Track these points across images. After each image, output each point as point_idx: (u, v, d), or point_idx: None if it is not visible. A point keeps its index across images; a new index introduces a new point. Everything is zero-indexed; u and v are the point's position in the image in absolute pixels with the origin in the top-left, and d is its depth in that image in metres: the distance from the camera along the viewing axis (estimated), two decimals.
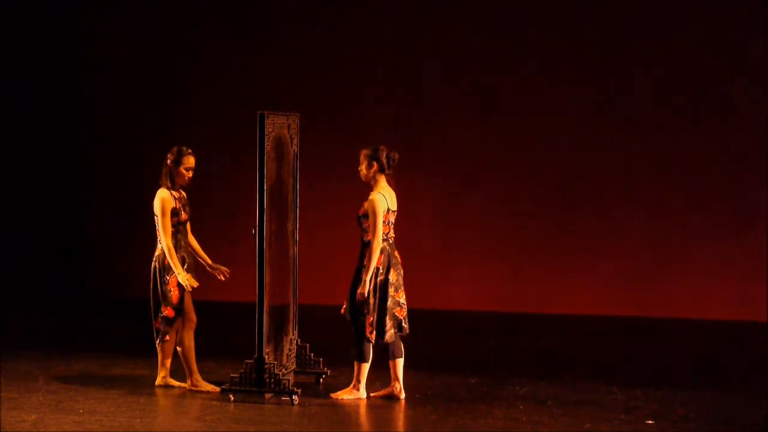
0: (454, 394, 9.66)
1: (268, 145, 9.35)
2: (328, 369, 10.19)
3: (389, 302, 9.39)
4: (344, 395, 9.51)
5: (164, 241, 9.69)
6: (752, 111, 14.04)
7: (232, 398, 9.35)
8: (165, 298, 9.71)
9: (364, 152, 9.48)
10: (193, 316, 9.89)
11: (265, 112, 9.36)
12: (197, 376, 9.86)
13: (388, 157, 9.45)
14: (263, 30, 15.13)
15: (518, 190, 14.58)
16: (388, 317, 9.38)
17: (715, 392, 10.04)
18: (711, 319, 13.83)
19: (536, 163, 14.55)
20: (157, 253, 9.80)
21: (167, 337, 9.80)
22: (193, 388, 9.82)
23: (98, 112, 15.43)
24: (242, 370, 9.33)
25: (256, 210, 9.34)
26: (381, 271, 9.38)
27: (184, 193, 9.97)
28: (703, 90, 14.17)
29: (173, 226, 9.76)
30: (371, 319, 9.34)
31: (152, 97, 15.29)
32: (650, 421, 8.90)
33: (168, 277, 9.72)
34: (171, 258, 9.65)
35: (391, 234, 9.48)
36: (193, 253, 10.00)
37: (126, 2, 15.49)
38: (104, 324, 13.65)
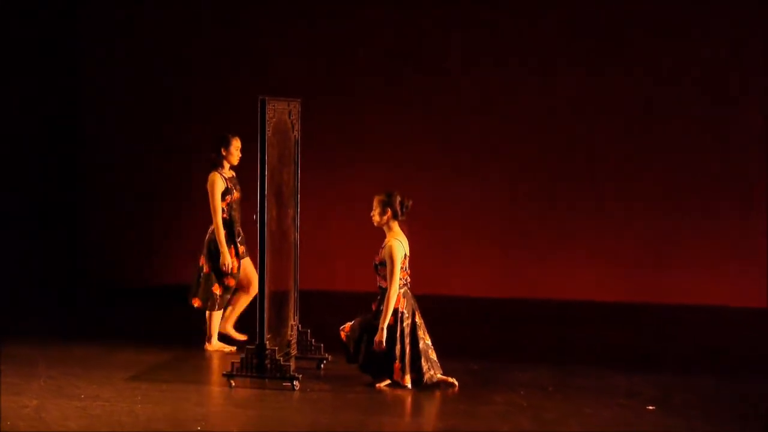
0: (456, 380, 9.66)
1: (269, 131, 9.34)
2: (329, 354, 10.20)
3: (421, 344, 9.44)
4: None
5: (215, 220, 10.50)
6: (753, 99, 14.02)
7: (234, 384, 9.37)
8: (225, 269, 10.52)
9: (377, 198, 9.51)
10: (254, 285, 10.59)
11: (266, 98, 9.35)
12: (231, 324, 10.94)
13: (401, 204, 9.47)
14: (264, 16, 15.10)
15: (518, 174, 14.55)
16: (423, 359, 9.42)
17: (717, 378, 10.04)
18: (713, 304, 13.82)
19: (534, 148, 14.52)
20: (211, 228, 10.64)
21: (217, 306, 10.70)
22: (209, 348, 10.75)
23: (100, 104, 15.39)
24: (243, 356, 9.34)
25: (257, 196, 9.34)
26: (406, 315, 9.41)
27: (233, 174, 10.74)
28: (703, 78, 14.16)
29: (227, 204, 10.56)
30: (399, 365, 9.37)
31: (153, 84, 15.24)
32: (651, 407, 8.92)
33: (239, 246, 10.59)
34: (219, 237, 10.49)
35: (409, 279, 9.52)
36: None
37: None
38: (104, 311, 13.64)
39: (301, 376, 9.41)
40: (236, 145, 10.67)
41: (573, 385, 9.63)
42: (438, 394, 9.34)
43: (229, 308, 10.95)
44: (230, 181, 10.67)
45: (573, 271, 14.37)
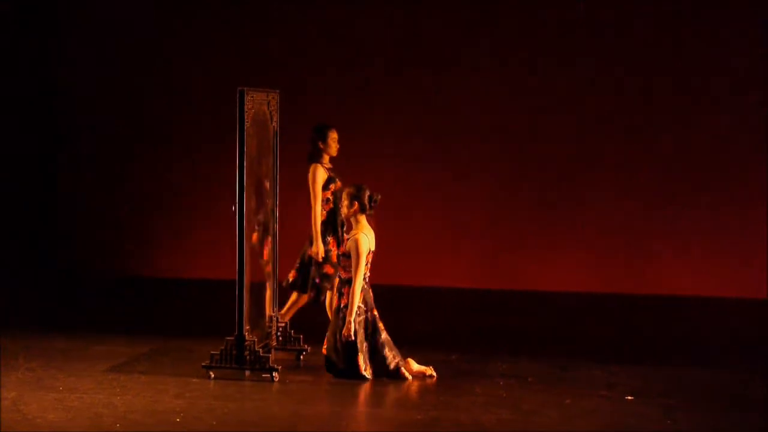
0: (436, 370, 9.66)
1: (247, 122, 9.32)
2: (308, 346, 10.19)
3: (383, 336, 9.44)
4: None
5: (314, 209, 10.36)
6: (752, 89, 14.04)
7: (213, 375, 9.35)
8: (326, 257, 10.27)
9: (346, 190, 9.53)
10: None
11: (245, 89, 9.33)
12: (288, 315, 10.55)
13: (370, 198, 9.48)
14: (244, 6, 15.07)
15: (498, 166, 14.55)
16: (387, 349, 9.44)
17: (697, 369, 10.06)
18: (694, 295, 13.85)
19: (522, 142, 14.53)
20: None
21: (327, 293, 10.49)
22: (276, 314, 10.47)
23: (79, 94, 15.35)
24: (222, 348, 9.33)
25: (236, 187, 9.31)
26: (364, 308, 9.42)
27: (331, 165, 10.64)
28: (703, 70, 14.17)
29: (332, 193, 10.43)
30: (362, 356, 9.35)
31: (132, 76, 15.23)
32: (630, 397, 8.93)
33: (328, 238, 10.36)
34: (315, 226, 10.31)
35: (368, 274, 9.51)
36: None
37: None
38: (84, 302, 13.61)
39: (280, 367, 9.40)
40: (333, 136, 10.53)
41: (553, 376, 9.64)
42: (417, 385, 9.34)
43: (294, 295, 10.71)
44: (331, 172, 10.59)
45: (555, 262, 14.38)
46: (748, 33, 14.04)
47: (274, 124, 10.11)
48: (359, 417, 8.61)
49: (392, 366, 9.44)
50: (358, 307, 9.40)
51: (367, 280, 9.51)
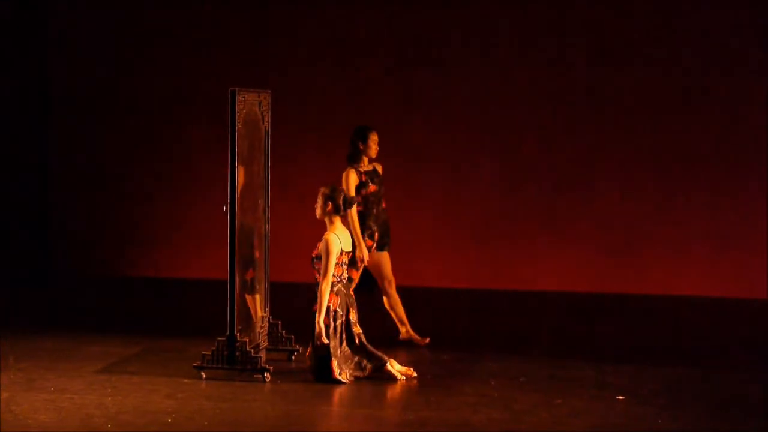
0: (427, 370, 9.66)
1: (239, 122, 9.32)
2: (299, 346, 10.19)
3: (357, 341, 9.41)
4: None
5: (352, 214, 10.43)
6: (752, 89, 14.06)
7: (204, 376, 9.35)
8: (351, 259, 10.27)
9: (321, 191, 9.45)
10: (391, 276, 10.89)
11: (236, 89, 9.33)
12: (408, 327, 10.96)
13: (345, 200, 9.45)
14: (233, 6, 15.07)
15: (490, 166, 14.55)
16: (364, 354, 9.40)
17: (692, 369, 10.07)
18: (694, 295, 13.86)
19: (522, 142, 14.52)
20: None
21: (393, 298, 10.84)
22: (405, 337, 10.91)
23: (72, 94, 15.34)
24: (214, 348, 9.33)
25: (227, 187, 9.31)
26: (340, 312, 9.35)
27: (378, 166, 10.83)
28: (702, 63, 14.17)
29: (363, 197, 10.60)
30: (336, 361, 9.30)
31: (124, 77, 15.22)
32: (621, 397, 8.94)
33: (366, 240, 10.62)
34: (355, 230, 10.42)
35: (345, 275, 9.47)
36: (386, 221, 10.88)
37: None
38: (74, 302, 13.59)
39: (271, 367, 9.40)
40: (374, 138, 10.69)
41: (543, 376, 9.65)
42: (408, 385, 9.34)
43: (392, 313, 10.96)
44: (367, 175, 10.69)
45: (546, 262, 14.38)
46: (749, 32, 14.06)
47: (265, 124, 10.11)
48: (350, 417, 8.61)
49: (367, 372, 9.41)
50: (335, 311, 9.36)
51: (344, 281, 9.49)
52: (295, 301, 11.96)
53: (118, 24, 15.21)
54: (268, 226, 10.24)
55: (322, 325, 9.26)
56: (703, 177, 14.14)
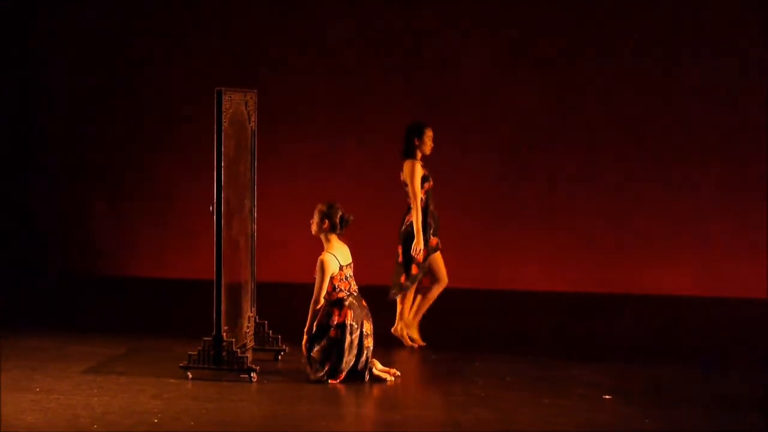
0: (415, 370, 9.66)
1: (225, 122, 9.30)
2: (286, 346, 10.18)
3: (365, 355, 9.32)
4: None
5: (415, 205, 10.51)
6: (750, 80, 14.06)
7: (190, 376, 9.33)
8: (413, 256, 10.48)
9: (318, 207, 9.36)
10: (445, 277, 10.74)
11: (223, 89, 9.31)
12: (416, 328, 10.78)
13: (341, 218, 9.34)
14: (219, 8, 15.05)
15: (483, 165, 14.53)
16: (364, 365, 9.35)
17: (676, 368, 10.08)
18: (693, 296, 13.86)
19: (522, 142, 14.51)
20: (408, 218, 10.62)
21: (408, 293, 10.64)
22: (398, 333, 10.72)
23: (55, 94, 15.31)
24: (200, 348, 9.31)
25: (213, 187, 9.30)
26: (355, 326, 9.27)
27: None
28: (702, 61, 14.19)
29: (425, 192, 10.60)
30: (344, 375, 9.28)
31: (107, 76, 15.19)
32: (607, 396, 8.95)
33: (431, 238, 10.61)
34: (416, 224, 10.46)
35: (353, 287, 9.41)
36: (438, 218, 10.80)
37: None
38: (60, 302, 13.56)
39: (258, 367, 9.39)
40: (429, 134, 10.65)
41: (531, 376, 9.65)
42: (396, 385, 9.33)
43: (419, 298, 10.82)
44: (425, 169, 10.65)
45: (532, 261, 14.39)
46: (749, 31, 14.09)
47: (252, 124, 10.10)
48: (338, 417, 8.60)
49: (366, 379, 9.39)
50: (350, 325, 9.26)
51: (355, 294, 9.43)
52: (281, 301, 11.98)
53: (103, 24, 15.17)
54: (255, 226, 10.22)
55: (305, 335, 9.28)
56: (703, 177, 14.15)
